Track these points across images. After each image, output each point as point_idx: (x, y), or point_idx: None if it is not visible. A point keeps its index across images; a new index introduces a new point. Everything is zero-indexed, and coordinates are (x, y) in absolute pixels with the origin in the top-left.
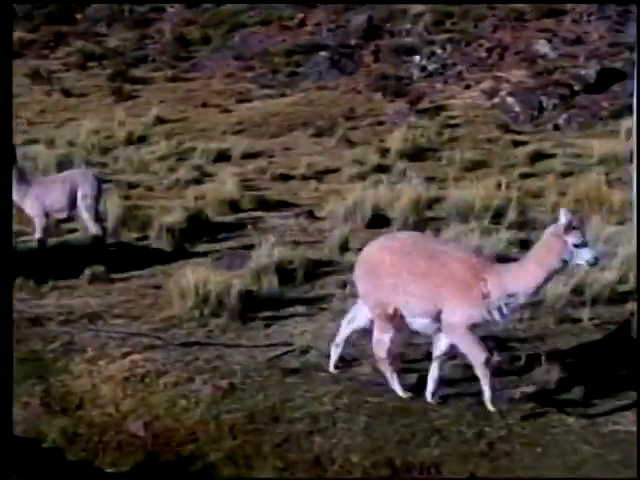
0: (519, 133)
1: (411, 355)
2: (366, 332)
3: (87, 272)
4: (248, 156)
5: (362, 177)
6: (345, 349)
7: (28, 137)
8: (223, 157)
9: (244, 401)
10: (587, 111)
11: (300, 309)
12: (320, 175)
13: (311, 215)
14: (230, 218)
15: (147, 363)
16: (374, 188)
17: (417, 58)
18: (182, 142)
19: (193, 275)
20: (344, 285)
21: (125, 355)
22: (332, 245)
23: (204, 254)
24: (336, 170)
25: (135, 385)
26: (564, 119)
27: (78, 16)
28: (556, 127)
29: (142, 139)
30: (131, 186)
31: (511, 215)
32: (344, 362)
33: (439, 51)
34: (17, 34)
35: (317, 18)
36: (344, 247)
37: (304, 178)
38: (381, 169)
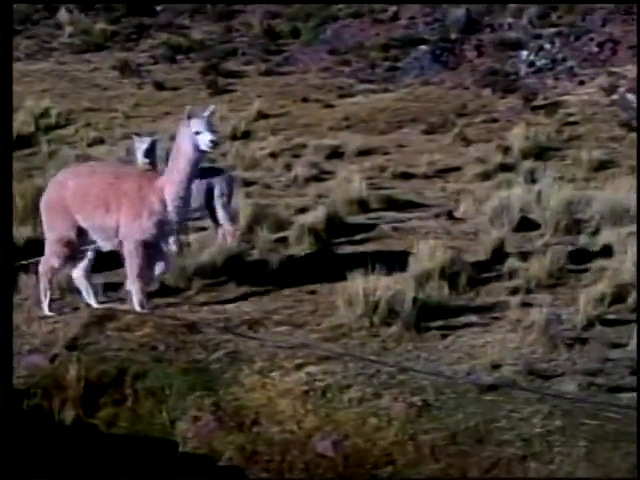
0: None
1: None
2: None
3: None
4: (362, 153)
5: (486, 176)
6: None
7: (127, 131)
8: (336, 154)
9: (442, 420)
10: None
11: (473, 318)
12: (442, 174)
13: (451, 216)
14: (360, 218)
15: (326, 376)
16: (508, 188)
17: (524, 53)
18: (290, 138)
19: (361, 281)
20: (513, 292)
21: (299, 367)
22: (487, 249)
23: (350, 257)
24: (457, 168)
25: (316, 400)
26: None
27: (158, 8)
28: None
29: (246, 134)
30: (247, 183)
31: None
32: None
33: (547, 46)
34: (99, 26)
35: (411, 12)
36: (499, 250)
37: (426, 177)
38: (505, 168)
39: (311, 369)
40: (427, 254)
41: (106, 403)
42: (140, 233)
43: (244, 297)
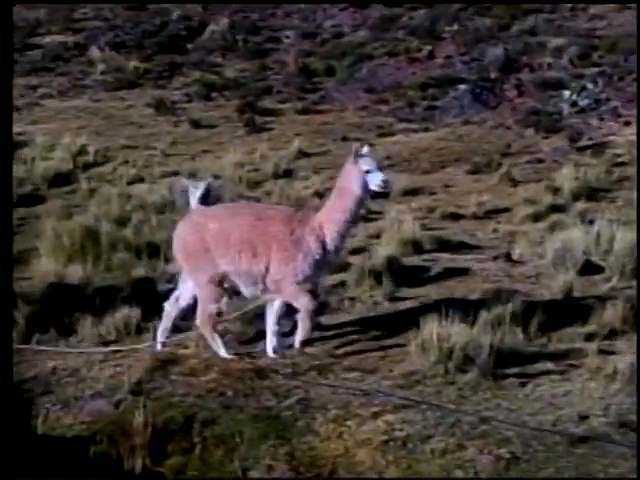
0: None
1: None
2: None
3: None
4: (408, 193)
5: (537, 217)
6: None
7: (166, 169)
8: (381, 194)
9: (533, 474)
10: None
11: (549, 365)
12: (491, 214)
13: (509, 258)
14: (415, 260)
15: (405, 425)
16: (561, 229)
17: (567, 93)
18: (332, 177)
19: (434, 326)
20: (588, 338)
21: (376, 415)
22: (555, 293)
23: (413, 301)
24: (507, 209)
25: (396, 451)
26: None
27: (189, 46)
28: None
29: (288, 173)
30: None
31: None
32: None
33: (590, 85)
34: (132, 64)
35: (447, 51)
36: (568, 294)
37: (475, 217)
38: (556, 209)
39: (388, 418)
40: (496, 298)
41: (174, 451)
42: (294, 276)
43: (309, 342)
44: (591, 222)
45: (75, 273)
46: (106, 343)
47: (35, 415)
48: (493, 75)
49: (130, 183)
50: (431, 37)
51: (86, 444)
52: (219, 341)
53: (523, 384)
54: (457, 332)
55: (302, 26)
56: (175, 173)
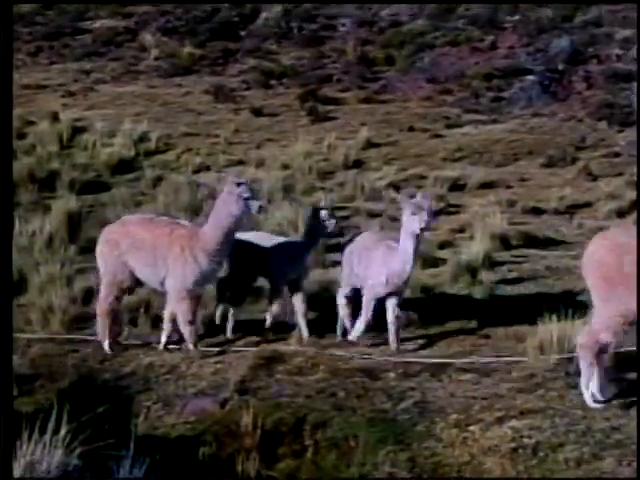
0: None
1: None
2: None
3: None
4: (483, 186)
5: (620, 213)
6: None
7: (232, 157)
8: (456, 186)
9: None
10: None
11: None
12: (573, 209)
13: None
14: (505, 255)
15: (533, 432)
16: None
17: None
18: (404, 168)
19: (555, 326)
20: None
21: (500, 420)
22: None
23: (515, 298)
24: (588, 204)
25: (527, 459)
26: None
27: (242, 33)
28: None
29: (357, 163)
30: (372, 215)
31: None
32: None
33: None
34: (186, 50)
35: (509, 41)
36: None
37: (557, 212)
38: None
39: (514, 424)
40: None
41: (285, 454)
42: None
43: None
44: None
45: None
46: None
47: (136, 413)
48: (560, 67)
49: (196, 172)
50: (492, 27)
51: (192, 445)
52: None
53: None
54: (578, 332)
55: (358, 14)
56: (241, 162)
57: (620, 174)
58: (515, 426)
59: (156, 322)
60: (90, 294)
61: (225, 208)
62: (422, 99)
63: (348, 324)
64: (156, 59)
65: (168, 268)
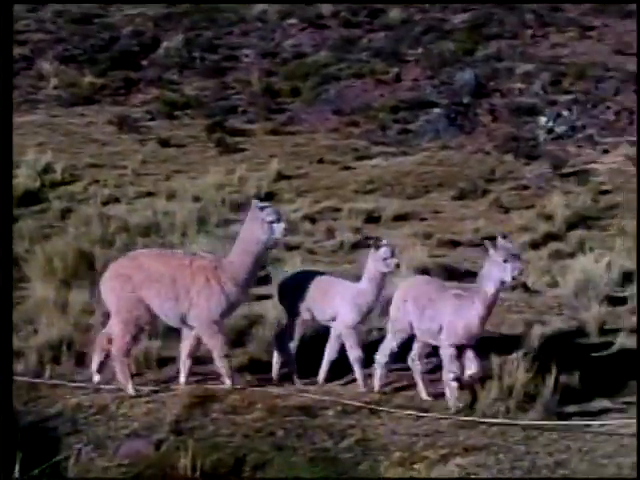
0: None
1: None
2: None
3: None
4: (397, 218)
5: (534, 245)
6: None
7: (141, 189)
8: (371, 219)
9: None
10: None
11: (605, 402)
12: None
13: (527, 288)
14: None
15: (479, 469)
16: (559, 258)
17: (543, 119)
18: (318, 200)
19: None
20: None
21: (445, 458)
22: (591, 325)
23: None
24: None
25: None
26: None
27: (143, 62)
28: None
29: (270, 195)
30: (290, 247)
31: None
32: None
33: (565, 113)
34: (87, 79)
35: (412, 73)
36: (601, 326)
37: (472, 244)
38: (551, 237)
39: (459, 461)
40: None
41: None
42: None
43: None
44: (591, 250)
45: (78, 298)
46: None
47: (65, 456)
48: (465, 100)
49: (105, 203)
50: (395, 59)
51: None
52: None
53: (587, 425)
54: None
55: (260, 45)
56: (151, 194)
57: (531, 206)
58: (460, 463)
59: (80, 360)
60: None
61: (251, 234)
62: (329, 131)
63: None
64: (55, 88)
65: (192, 301)
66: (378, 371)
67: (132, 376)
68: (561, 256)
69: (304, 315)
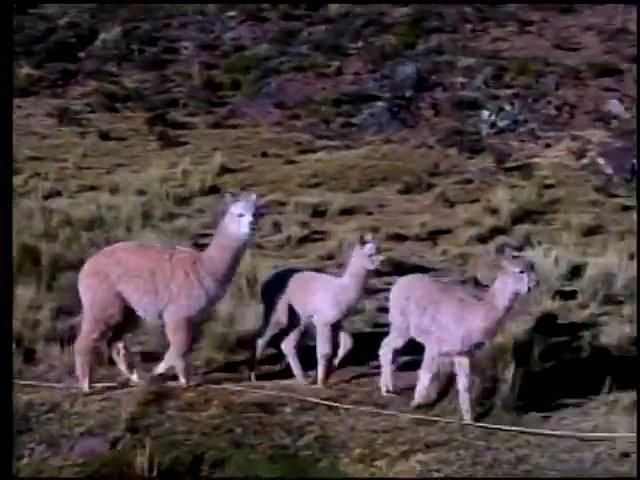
0: (620, 197)
1: None
2: None
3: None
4: (344, 212)
5: (481, 239)
6: None
7: (82, 182)
8: (317, 212)
9: None
10: None
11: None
12: (434, 235)
13: (477, 283)
14: (378, 283)
15: (441, 465)
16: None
17: (485, 114)
18: (263, 194)
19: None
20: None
21: (406, 454)
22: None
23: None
24: (449, 231)
25: None
26: None
27: (80, 54)
28: None
29: (214, 189)
30: None
31: None
32: None
33: (507, 107)
34: (24, 70)
35: (354, 67)
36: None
37: (419, 239)
38: (498, 231)
39: (421, 457)
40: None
41: None
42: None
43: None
44: (539, 244)
45: (25, 294)
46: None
47: (18, 455)
48: (407, 93)
49: (46, 197)
50: (336, 53)
51: None
52: None
53: (545, 418)
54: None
55: (200, 37)
56: (93, 187)
57: (476, 200)
58: (422, 460)
59: (29, 357)
60: None
61: (225, 228)
62: (272, 124)
63: (390, 381)
64: None
65: (171, 296)
66: (386, 369)
67: (91, 373)
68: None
69: (283, 314)
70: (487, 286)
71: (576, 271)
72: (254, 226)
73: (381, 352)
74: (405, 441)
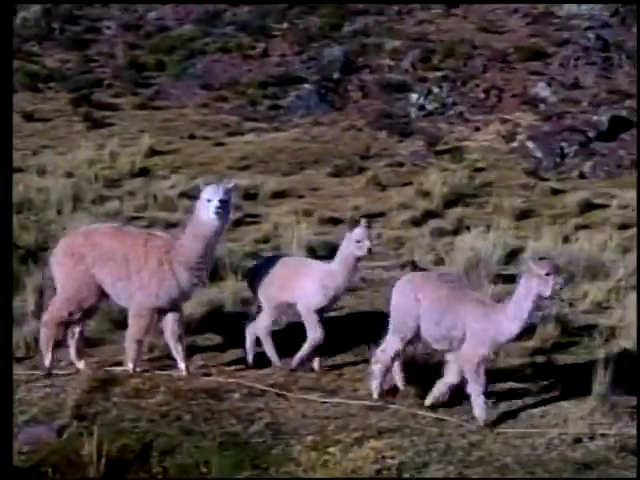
0: (550, 180)
1: None
2: None
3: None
4: (276, 195)
5: (415, 223)
6: None
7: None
8: (249, 195)
9: None
10: (609, 159)
11: (511, 383)
12: (368, 219)
13: (416, 266)
14: None
15: (395, 452)
16: (440, 235)
17: (414, 96)
18: (193, 177)
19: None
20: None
21: (359, 441)
22: None
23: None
24: (382, 214)
25: None
26: (590, 167)
27: None
28: (582, 175)
29: (144, 171)
30: (169, 225)
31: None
32: None
33: (436, 89)
34: None
35: (280, 49)
36: None
37: (354, 222)
38: (431, 215)
39: (374, 444)
40: None
41: None
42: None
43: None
44: (468, 228)
45: None
46: (17, 360)
47: None
48: (335, 75)
49: None
50: (262, 34)
51: (28, 478)
52: None
53: (495, 403)
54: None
55: (123, 17)
56: (19, 169)
57: (408, 183)
58: (376, 446)
59: None
60: None
61: (198, 216)
62: (198, 106)
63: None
64: None
65: (142, 282)
66: (377, 375)
67: (54, 349)
68: (442, 233)
69: (270, 299)
70: (425, 269)
71: (512, 255)
72: (219, 210)
73: (374, 360)
74: (357, 427)
